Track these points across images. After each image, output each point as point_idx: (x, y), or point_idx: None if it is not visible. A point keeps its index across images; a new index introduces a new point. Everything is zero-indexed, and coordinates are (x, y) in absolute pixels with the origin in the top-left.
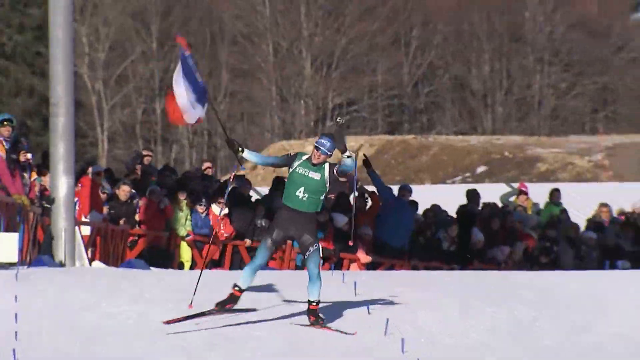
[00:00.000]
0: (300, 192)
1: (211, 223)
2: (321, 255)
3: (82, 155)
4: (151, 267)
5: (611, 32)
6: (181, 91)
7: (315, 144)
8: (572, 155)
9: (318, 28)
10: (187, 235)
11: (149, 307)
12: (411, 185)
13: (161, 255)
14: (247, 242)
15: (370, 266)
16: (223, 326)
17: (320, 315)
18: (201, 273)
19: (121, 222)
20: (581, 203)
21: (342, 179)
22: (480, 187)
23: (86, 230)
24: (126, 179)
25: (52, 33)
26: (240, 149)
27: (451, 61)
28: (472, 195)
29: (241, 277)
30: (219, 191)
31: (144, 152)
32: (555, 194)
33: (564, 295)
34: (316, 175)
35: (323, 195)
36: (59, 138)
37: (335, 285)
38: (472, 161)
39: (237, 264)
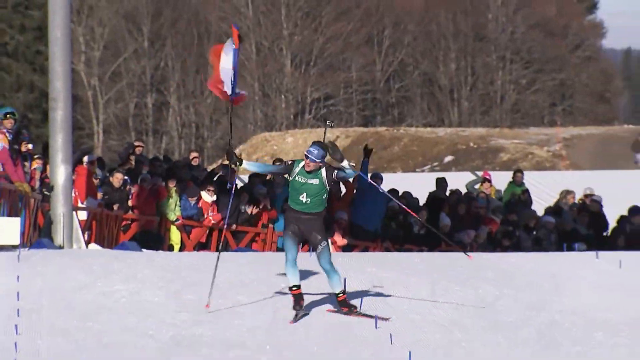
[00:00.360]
0: (303, 197)
1: (200, 206)
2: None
3: (79, 146)
4: (143, 249)
5: (568, 32)
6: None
7: (305, 153)
8: (532, 146)
9: (297, 28)
10: (177, 220)
11: (141, 286)
12: (383, 174)
13: (152, 238)
14: (233, 226)
15: (346, 248)
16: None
17: (351, 303)
18: (215, 273)
19: (115, 207)
20: (541, 190)
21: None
22: (448, 175)
23: (83, 215)
24: (119, 168)
25: (51, 33)
26: (238, 162)
27: (420, 59)
28: (440, 182)
29: (289, 277)
30: (207, 180)
31: (136, 143)
32: (517, 175)
33: (523, 275)
34: (315, 181)
35: (325, 195)
36: (58, 130)
37: (314, 267)
38: (440, 151)
39: (224, 247)
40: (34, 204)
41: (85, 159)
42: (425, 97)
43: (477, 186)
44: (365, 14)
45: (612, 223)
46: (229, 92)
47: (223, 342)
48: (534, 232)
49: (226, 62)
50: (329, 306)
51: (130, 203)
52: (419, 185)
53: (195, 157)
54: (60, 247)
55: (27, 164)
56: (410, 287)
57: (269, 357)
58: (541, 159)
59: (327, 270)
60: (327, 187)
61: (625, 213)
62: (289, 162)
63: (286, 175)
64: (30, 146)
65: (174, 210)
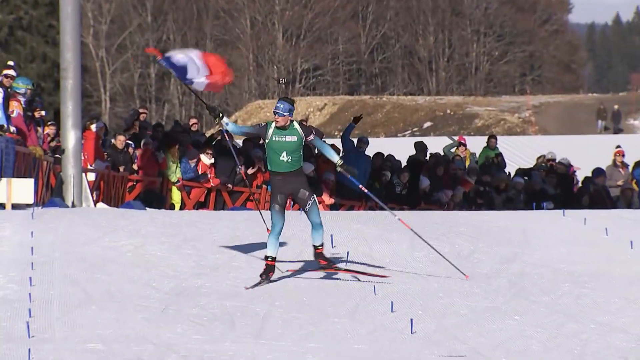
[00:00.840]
0: (283, 156)
1: (200, 171)
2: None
3: (88, 112)
4: (146, 208)
5: (537, 7)
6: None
7: (274, 110)
8: (504, 113)
9: (288, 4)
10: (178, 181)
11: (145, 241)
12: (368, 138)
13: (155, 197)
14: (229, 186)
15: (333, 207)
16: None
17: (328, 257)
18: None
19: (121, 169)
20: (513, 153)
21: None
22: (427, 140)
23: (91, 176)
24: (122, 131)
25: (62, 8)
26: (220, 115)
27: (401, 33)
28: (420, 146)
29: (268, 248)
30: (206, 143)
31: (140, 110)
32: (491, 141)
33: (496, 231)
34: (293, 138)
35: (302, 151)
36: (68, 98)
37: (302, 225)
38: (419, 118)
39: (220, 206)
40: (46, 166)
41: (94, 125)
42: (406, 67)
43: (453, 150)
44: None
45: (577, 183)
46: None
47: (220, 292)
48: (505, 192)
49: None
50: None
51: (135, 166)
52: (400, 149)
53: (194, 123)
54: (71, 206)
55: (39, 129)
56: (391, 243)
57: (263, 306)
58: (512, 124)
59: (314, 224)
60: (303, 141)
61: (589, 174)
62: (262, 124)
63: (262, 141)
64: (43, 113)
65: (175, 172)
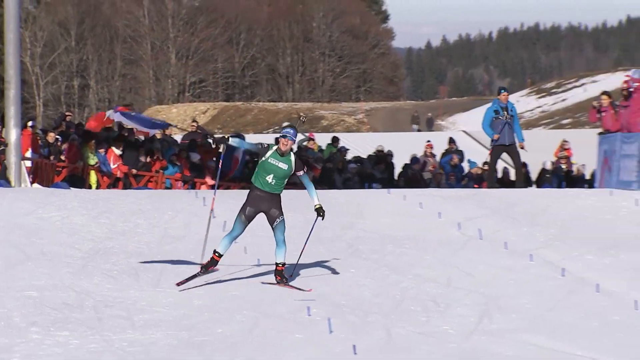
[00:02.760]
0: (270, 177)
1: (109, 161)
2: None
3: (26, 115)
4: (71, 187)
5: (368, 35)
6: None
7: (282, 133)
8: (343, 115)
9: (180, 32)
10: (96, 164)
11: (69, 213)
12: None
13: (77, 180)
14: (133, 170)
15: (214, 187)
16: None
17: (284, 275)
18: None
19: (51, 158)
20: (351, 146)
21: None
22: None
23: (28, 163)
24: (54, 130)
25: (6, 35)
26: (227, 140)
27: (265, 54)
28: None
29: (220, 245)
30: (117, 139)
31: (66, 113)
32: (335, 140)
33: (337, 205)
34: (284, 166)
35: (286, 180)
36: (11, 103)
37: (191, 200)
38: (280, 119)
39: (127, 186)
40: None
41: (29, 124)
42: (269, 81)
43: (305, 143)
44: (227, 22)
45: (398, 169)
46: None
47: (127, 252)
48: (344, 174)
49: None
50: (265, 278)
51: (62, 157)
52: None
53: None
54: (12, 186)
55: None
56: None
57: (161, 263)
58: (350, 124)
59: (279, 241)
60: (292, 172)
61: (407, 162)
62: (265, 145)
63: (259, 159)
64: None
65: (92, 159)
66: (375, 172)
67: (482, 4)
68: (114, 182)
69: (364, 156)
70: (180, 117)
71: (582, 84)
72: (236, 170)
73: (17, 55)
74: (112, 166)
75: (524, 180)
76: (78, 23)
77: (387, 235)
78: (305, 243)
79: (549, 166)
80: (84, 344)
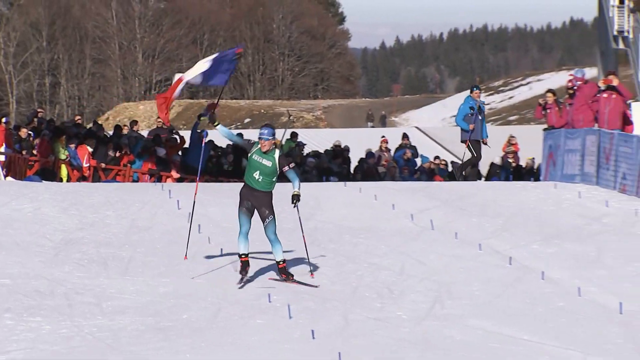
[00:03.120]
0: (256, 174)
1: (80, 156)
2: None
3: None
4: (42, 181)
5: (325, 36)
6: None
7: (259, 136)
8: (302, 112)
9: (146, 32)
10: (66, 158)
11: (41, 205)
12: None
13: (49, 173)
14: (102, 165)
15: (179, 180)
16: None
17: (289, 271)
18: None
19: (24, 152)
20: (309, 141)
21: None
22: (245, 132)
23: (2, 157)
24: (26, 126)
25: None
26: (216, 123)
27: None
28: (241, 135)
29: (239, 247)
30: (88, 134)
31: (39, 110)
32: (294, 135)
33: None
34: (268, 163)
35: (275, 177)
36: None
37: (157, 193)
38: (242, 115)
39: (96, 179)
40: None
41: (3, 120)
42: (231, 79)
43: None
44: (191, 24)
45: (354, 163)
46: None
47: (96, 242)
48: (301, 169)
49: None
50: (272, 274)
51: (34, 151)
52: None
53: (78, 119)
54: None
55: None
56: (221, 205)
57: (127, 252)
58: (308, 120)
59: (271, 240)
60: (278, 171)
61: (363, 156)
62: (251, 141)
63: (249, 155)
64: None
65: (63, 153)
66: (333, 166)
67: (433, 7)
68: (83, 176)
69: (322, 151)
70: (147, 114)
71: (528, 83)
72: (197, 161)
73: None
74: (85, 164)
75: (476, 174)
76: (49, 24)
77: (343, 225)
78: (302, 233)
79: (497, 161)
80: (55, 329)
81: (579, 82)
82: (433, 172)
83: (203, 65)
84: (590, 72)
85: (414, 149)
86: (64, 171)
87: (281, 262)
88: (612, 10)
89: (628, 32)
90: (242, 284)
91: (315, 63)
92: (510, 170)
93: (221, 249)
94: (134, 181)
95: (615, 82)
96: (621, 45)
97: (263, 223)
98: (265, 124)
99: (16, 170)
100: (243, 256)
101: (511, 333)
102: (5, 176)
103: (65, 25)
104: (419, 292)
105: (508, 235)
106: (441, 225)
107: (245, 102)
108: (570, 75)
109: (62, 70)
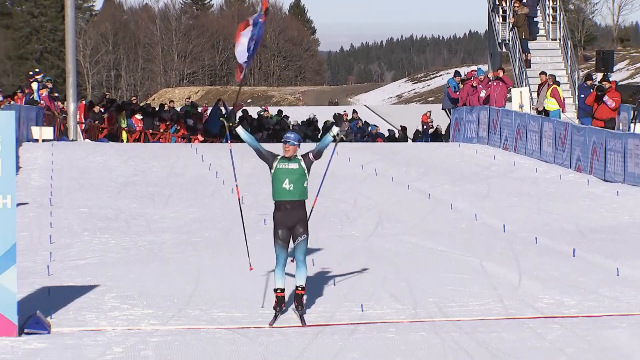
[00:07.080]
0: (286, 183)
1: (135, 124)
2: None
3: (80, 94)
4: (109, 142)
5: (303, 42)
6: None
7: (284, 139)
8: (287, 95)
9: (180, 40)
10: (126, 126)
11: (109, 158)
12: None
13: (113, 136)
14: (150, 131)
15: (203, 141)
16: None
17: (303, 302)
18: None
19: (96, 122)
20: (290, 115)
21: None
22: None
23: (83, 125)
24: (98, 104)
25: (66, 42)
26: (237, 125)
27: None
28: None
29: (276, 280)
30: (139, 109)
31: (106, 93)
32: (280, 112)
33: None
34: (295, 165)
35: (306, 182)
36: (69, 86)
37: (187, 150)
38: (245, 97)
39: (146, 140)
40: (58, 121)
41: (84, 101)
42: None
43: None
44: (211, 34)
45: (322, 130)
46: (242, 59)
47: (146, 183)
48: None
49: (247, 33)
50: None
51: (103, 122)
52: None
53: (134, 99)
54: (72, 140)
55: (57, 103)
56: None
57: (168, 190)
58: (291, 101)
59: (298, 261)
60: (307, 173)
61: (328, 125)
62: (274, 153)
63: (270, 171)
64: (57, 94)
65: (124, 123)
66: (307, 132)
67: (377, 22)
68: (136, 138)
69: (300, 122)
70: (181, 96)
71: (441, 75)
72: (215, 128)
73: (74, 55)
74: (138, 130)
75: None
76: (114, 34)
77: (313, 172)
78: (325, 173)
79: (420, 128)
80: (118, 242)
81: (476, 76)
82: (376, 136)
83: (244, 40)
84: (484, 67)
85: (363, 121)
86: (124, 135)
87: (300, 288)
88: (498, 25)
89: (509, 40)
90: (274, 321)
91: (296, 61)
92: (429, 134)
93: (231, 189)
94: (172, 142)
95: (501, 74)
96: (504, 49)
97: (294, 241)
98: (291, 129)
99: (91, 135)
100: (279, 291)
101: (430, 245)
102: (83, 139)
103: (124, 35)
104: (367, 217)
105: (427, 179)
106: (382, 172)
107: (247, 88)
108: (473, 71)
109: (122, 66)
